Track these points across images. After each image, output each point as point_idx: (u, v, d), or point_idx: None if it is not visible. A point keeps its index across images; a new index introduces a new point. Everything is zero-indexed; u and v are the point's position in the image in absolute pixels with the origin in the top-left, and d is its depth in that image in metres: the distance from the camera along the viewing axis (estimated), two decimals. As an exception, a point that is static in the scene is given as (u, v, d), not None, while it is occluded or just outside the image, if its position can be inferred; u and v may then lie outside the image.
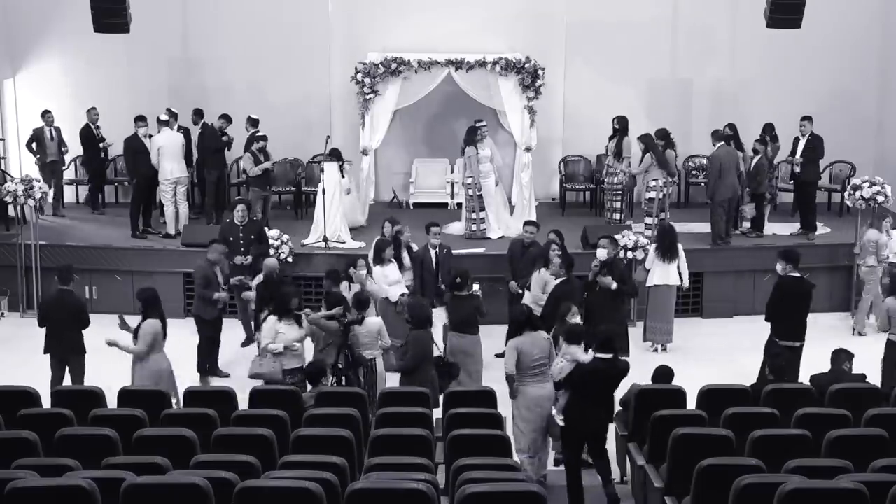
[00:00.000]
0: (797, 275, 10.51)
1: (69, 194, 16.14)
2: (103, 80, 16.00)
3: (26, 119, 16.45)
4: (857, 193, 13.34)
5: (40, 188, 13.25)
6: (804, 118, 14.45)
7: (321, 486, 6.16)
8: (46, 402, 8.63)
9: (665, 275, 12.10)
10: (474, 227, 14.24)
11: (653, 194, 13.74)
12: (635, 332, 12.61)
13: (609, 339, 8.64)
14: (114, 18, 12.91)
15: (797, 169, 14.47)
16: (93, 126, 15.25)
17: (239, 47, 15.93)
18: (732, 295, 13.63)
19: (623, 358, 9.07)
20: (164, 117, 14.38)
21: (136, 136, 14.22)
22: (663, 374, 9.17)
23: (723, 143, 13.92)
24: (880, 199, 13.28)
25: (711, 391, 8.70)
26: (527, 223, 12.43)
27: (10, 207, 13.71)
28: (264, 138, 14.16)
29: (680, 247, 12.21)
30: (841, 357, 9.29)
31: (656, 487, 7.66)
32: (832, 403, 8.43)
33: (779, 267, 10.57)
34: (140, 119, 14.27)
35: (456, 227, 14.60)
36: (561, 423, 8.60)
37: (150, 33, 15.00)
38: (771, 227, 14.55)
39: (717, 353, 12.09)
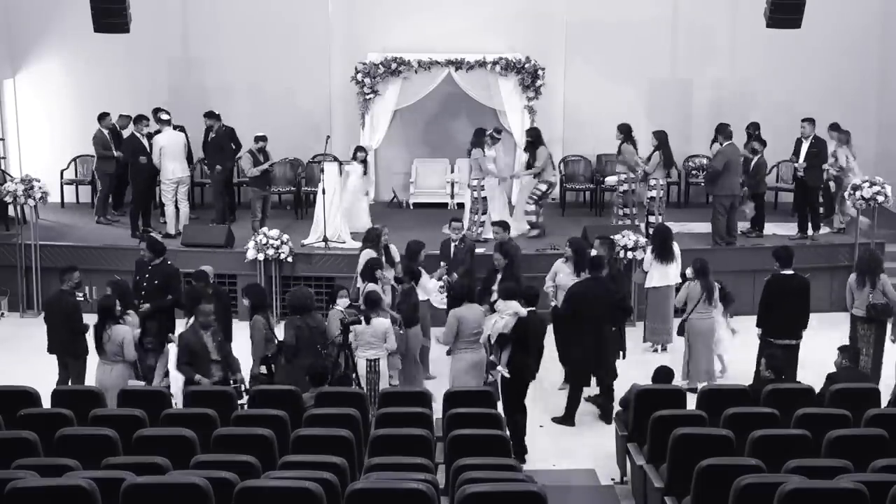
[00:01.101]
0: (789, 272, 10.55)
1: (69, 194, 16.15)
2: (103, 80, 16.01)
3: (26, 119, 16.49)
4: (857, 193, 13.33)
5: (40, 188, 13.24)
6: (805, 120, 14.30)
7: (321, 486, 6.16)
8: (47, 402, 8.63)
9: (663, 276, 12.08)
10: (475, 229, 14.19)
11: (653, 193, 13.75)
12: (636, 333, 12.61)
13: (536, 294, 9.82)
14: (114, 18, 12.92)
15: (801, 173, 14.26)
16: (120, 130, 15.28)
17: (239, 47, 15.93)
18: (732, 295, 13.60)
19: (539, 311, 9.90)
20: (166, 116, 14.39)
21: (135, 136, 14.21)
22: (663, 374, 9.19)
23: (731, 141, 13.88)
24: (880, 199, 13.28)
25: (711, 391, 8.72)
26: (494, 223, 12.32)
27: (10, 207, 13.71)
28: (264, 139, 14.11)
29: (676, 247, 12.17)
30: (847, 354, 9.36)
31: (656, 487, 7.66)
32: (832, 403, 8.43)
33: (776, 267, 10.65)
34: (138, 119, 14.25)
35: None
36: (507, 375, 9.41)
37: (150, 33, 15.02)
38: (771, 228, 14.54)
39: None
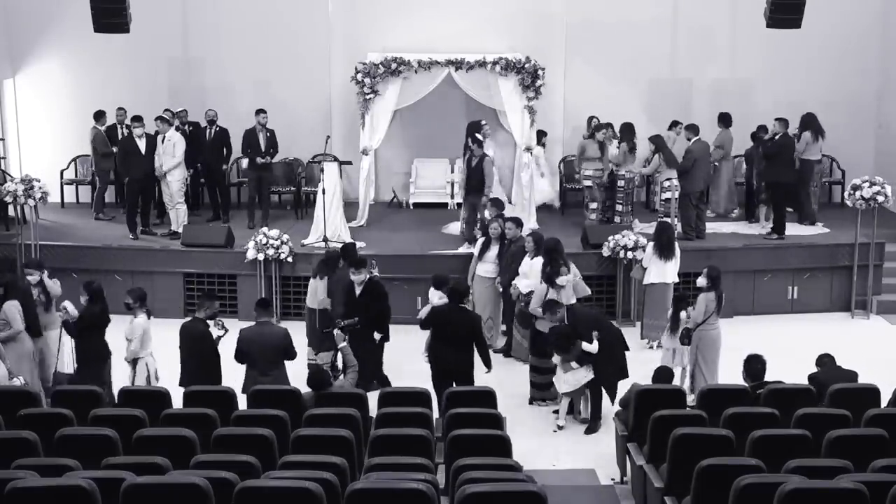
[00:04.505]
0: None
1: (69, 194, 16.16)
2: (103, 80, 16.02)
3: (26, 119, 16.49)
4: (857, 193, 13.30)
5: (40, 188, 13.23)
6: (776, 119, 14.38)
7: (321, 486, 6.16)
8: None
9: (661, 273, 12.10)
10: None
11: (668, 195, 13.72)
12: (634, 331, 12.62)
13: (456, 291, 9.97)
14: (114, 18, 12.91)
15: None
16: (120, 126, 15.27)
17: (239, 47, 15.95)
18: (732, 295, 13.59)
19: (470, 310, 10.60)
20: (167, 116, 14.41)
21: (131, 137, 14.18)
22: (663, 374, 9.20)
23: (699, 137, 14.14)
24: (880, 199, 13.25)
25: (711, 391, 8.71)
26: (507, 219, 12.43)
27: (10, 207, 13.71)
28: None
29: (676, 245, 12.21)
30: (823, 360, 9.36)
31: (656, 487, 7.66)
32: (832, 403, 8.43)
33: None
34: (136, 120, 14.23)
35: (455, 228, 14.58)
36: (426, 361, 10.03)
37: (150, 33, 15.02)
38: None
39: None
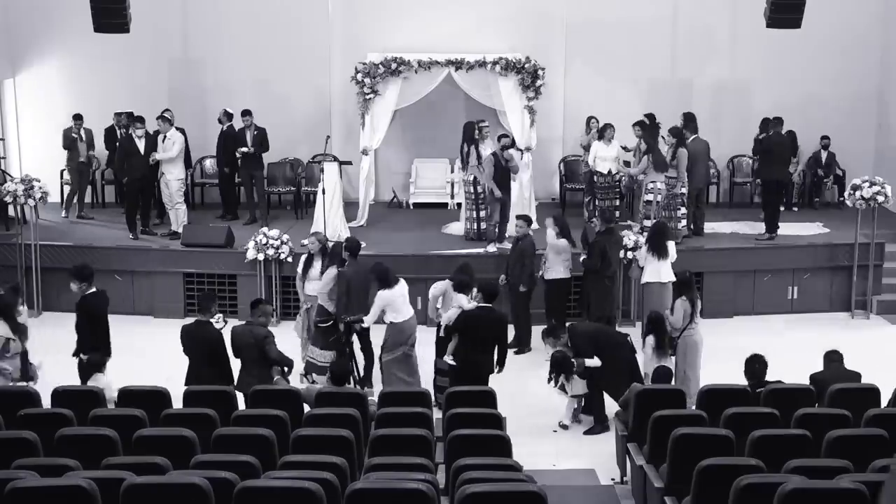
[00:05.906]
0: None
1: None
2: (103, 80, 16.02)
3: (26, 119, 16.50)
4: (857, 193, 13.30)
5: (40, 188, 13.24)
6: (774, 119, 14.39)
7: (321, 486, 6.16)
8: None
9: (657, 272, 12.05)
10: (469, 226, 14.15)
11: (650, 196, 13.69)
12: (635, 331, 12.60)
13: (491, 292, 9.94)
14: (114, 18, 12.92)
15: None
16: (118, 129, 15.28)
17: (239, 47, 15.95)
18: (732, 295, 13.63)
19: (500, 309, 10.34)
20: (168, 115, 14.43)
21: (130, 138, 14.18)
22: (663, 374, 9.19)
23: (697, 135, 14.16)
24: (880, 199, 13.25)
25: (711, 391, 8.71)
26: (518, 217, 12.41)
27: (10, 207, 13.71)
28: None
29: (671, 245, 12.14)
30: (832, 357, 9.35)
31: (656, 487, 7.66)
32: (832, 403, 8.43)
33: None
34: (137, 120, 14.23)
35: (455, 228, 14.58)
36: (452, 363, 9.89)
37: (150, 33, 15.04)
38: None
39: (716, 353, 12.06)
